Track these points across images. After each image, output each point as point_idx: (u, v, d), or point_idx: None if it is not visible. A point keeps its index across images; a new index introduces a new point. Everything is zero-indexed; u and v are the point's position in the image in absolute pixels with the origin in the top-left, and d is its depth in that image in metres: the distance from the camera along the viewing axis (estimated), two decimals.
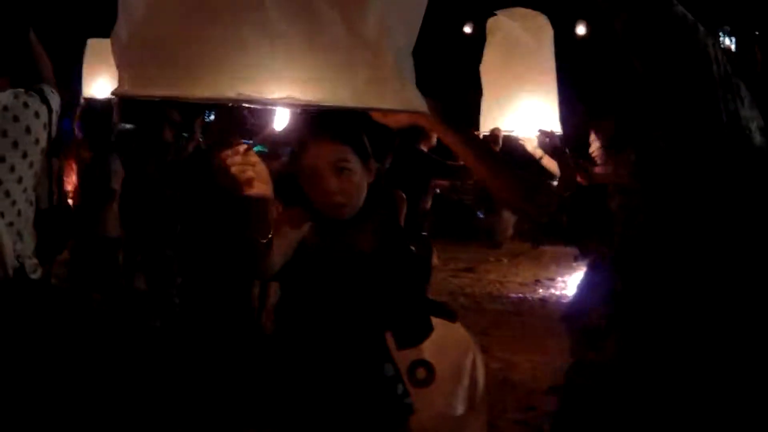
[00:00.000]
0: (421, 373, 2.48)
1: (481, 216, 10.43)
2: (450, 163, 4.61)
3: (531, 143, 3.89)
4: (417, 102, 1.27)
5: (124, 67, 1.18)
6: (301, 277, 2.01)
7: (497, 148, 3.53)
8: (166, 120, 4.06)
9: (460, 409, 2.62)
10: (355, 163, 1.93)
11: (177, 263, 3.92)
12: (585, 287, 3.95)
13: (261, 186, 1.48)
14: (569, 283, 7.37)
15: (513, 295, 6.92)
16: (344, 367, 2.03)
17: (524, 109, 3.67)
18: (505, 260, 9.11)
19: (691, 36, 1.13)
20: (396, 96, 1.22)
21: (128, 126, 4.89)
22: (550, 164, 4.24)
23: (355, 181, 1.94)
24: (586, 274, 3.99)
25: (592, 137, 4.11)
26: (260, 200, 1.53)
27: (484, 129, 3.75)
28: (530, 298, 6.81)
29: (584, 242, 4.12)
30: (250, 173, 1.43)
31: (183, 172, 3.83)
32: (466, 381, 2.63)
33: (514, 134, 3.81)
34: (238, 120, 3.77)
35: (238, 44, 1.10)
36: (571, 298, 4.56)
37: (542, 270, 8.30)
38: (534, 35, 3.81)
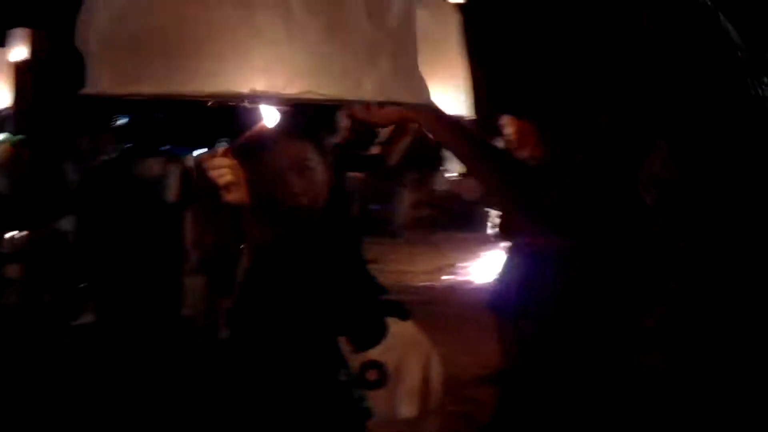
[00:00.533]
0: (372, 374, 2.40)
1: (377, 208, 10.46)
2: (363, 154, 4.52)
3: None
4: (429, 94, 1.17)
5: (103, 61, 0.99)
6: (259, 282, 1.88)
7: (407, 136, 3.48)
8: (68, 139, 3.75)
9: (414, 410, 2.56)
10: (317, 161, 1.82)
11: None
12: (511, 275, 4.00)
13: (239, 191, 1.36)
14: (474, 269, 7.53)
15: (420, 284, 6.96)
16: (300, 374, 1.93)
17: (433, 97, 3.61)
18: (406, 249, 9.18)
19: (715, 22, 1.11)
20: (418, 88, 1.12)
21: None
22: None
23: (318, 180, 1.83)
24: (515, 262, 4.04)
25: (504, 122, 4.14)
26: (237, 206, 1.39)
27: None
28: (437, 286, 6.88)
29: (512, 229, 4.17)
30: (229, 177, 1.31)
31: (93, 184, 3.55)
32: (419, 381, 2.57)
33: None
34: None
35: (252, 33, 0.95)
36: (495, 285, 4.59)
37: (443, 258, 8.42)
38: (440, 24, 3.77)
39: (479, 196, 11.04)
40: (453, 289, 6.72)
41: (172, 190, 3.47)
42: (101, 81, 0.99)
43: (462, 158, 1.48)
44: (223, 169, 1.29)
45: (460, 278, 7.33)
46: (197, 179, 1.32)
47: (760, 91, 1.08)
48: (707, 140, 1.10)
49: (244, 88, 0.96)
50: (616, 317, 2.00)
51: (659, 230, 1.15)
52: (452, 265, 7.96)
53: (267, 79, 0.96)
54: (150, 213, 3.43)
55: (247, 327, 1.99)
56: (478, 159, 1.46)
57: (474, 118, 3.78)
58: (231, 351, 2.02)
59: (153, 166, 3.48)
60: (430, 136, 1.51)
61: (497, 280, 4.56)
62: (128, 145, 3.60)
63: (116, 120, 3.70)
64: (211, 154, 1.28)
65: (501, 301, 4.00)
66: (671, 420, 1.14)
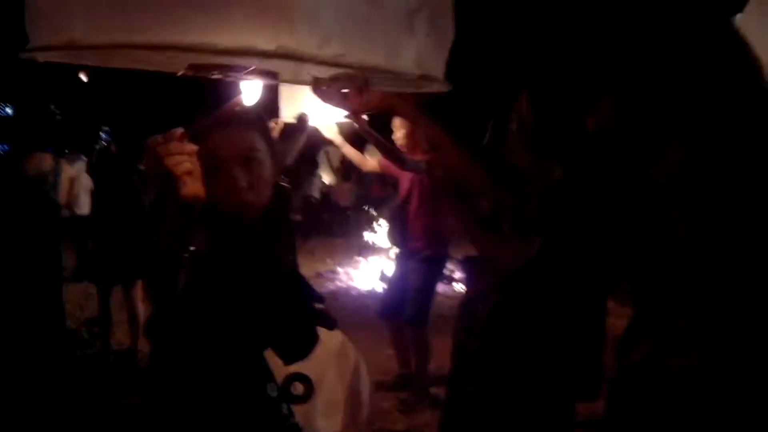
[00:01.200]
0: (298, 387, 2.21)
1: None
2: None
3: (330, 130, 3.71)
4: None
5: (76, 11, 0.76)
6: (189, 289, 1.64)
7: (306, 133, 3.32)
8: None
9: (341, 425, 2.39)
10: (264, 153, 1.59)
11: None
12: (403, 282, 3.99)
13: (196, 185, 1.12)
14: (356, 275, 7.42)
15: None
16: (226, 390, 1.72)
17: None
18: None
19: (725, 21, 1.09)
20: (445, 66, 0.98)
21: None
22: (351, 152, 4.13)
23: (265, 176, 1.60)
24: (408, 268, 4.00)
25: (396, 123, 4.09)
26: (193, 203, 1.15)
27: (286, 115, 3.48)
28: (322, 293, 6.69)
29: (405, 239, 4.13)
30: (187, 165, 1.06)
31: None
32: (347, 394, 2.41)
33: (312, 123, 3.59)
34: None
35: None
36: (385, 292, 4.52)
37: (319, 263, 8.22)
38: None
39: (354, 202, 11.01)
40: (335, 294, 6.55)
41: (62, 190, 3.06)
42: (74, 30, 0.76)
43: (447, 159, 1.38)
44: (181, 156, 1.04)
45: (341, 284, 7.19)
46: (147, 168, 1.05)
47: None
48: (726, 135, 1.07)
49: (269, 45, 0.78)
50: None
51: (685, 231, 1.10)
52: (332, 271, 7.81)
53: (298, 38, 0.79)
54: (35, 213, 3.00)
55: (168, 339, 1.72)
56: (463, 160, 1.36)
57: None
58: (151, 366, 1.75)
59: (41, 161, 3.04)
60: (416, 128, 1.39)
61: (388, 287, 4.54)
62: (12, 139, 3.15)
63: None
64: (166, 137, 1.03)
65: (393, 308, 3.98)
66: (707, 421, 1.08)
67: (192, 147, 1.06)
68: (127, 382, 3.42)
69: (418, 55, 0.89)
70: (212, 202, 1.55)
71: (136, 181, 3.74)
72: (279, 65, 1.24)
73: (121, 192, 3.62)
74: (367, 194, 10.29)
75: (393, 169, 4.25)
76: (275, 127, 3.34)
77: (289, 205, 1.92)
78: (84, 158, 4.52)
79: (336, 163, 10.47)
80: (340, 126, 3.70)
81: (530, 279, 2.10)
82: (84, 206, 4.66)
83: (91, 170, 3.82)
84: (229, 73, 0.97)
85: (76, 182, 4.47)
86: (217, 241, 1.58)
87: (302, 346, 2.03)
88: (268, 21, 0.77)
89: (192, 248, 1.30)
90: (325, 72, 1.26)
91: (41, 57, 0.96)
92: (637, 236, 1.19)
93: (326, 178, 11.25)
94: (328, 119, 3.53)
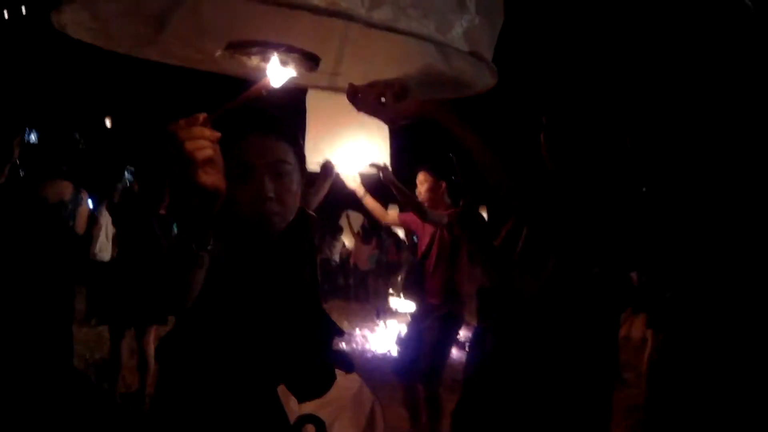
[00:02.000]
0: (309, 430, 2.09)
1: None
2: None
3: (353, 181, 3.72)
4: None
5: None
6: (204, 313, 1.55)
7: (330, 180, 3.31)
8: None
9: None
10: (293, 167, 1.54)
11: None
12: (418, 340, 3.96)
13: (217, 175, 1.04)
14: (371, 338, 7.27)
15: None
16: (233, 425, 1.62)
17: (349, 147, 3.49)
18: None
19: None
20: (492, 49, 0.93)
21: None
22: (372, 204, 4.11)
23: (293, 189, 1.54)
24: (421, 328, 3.94)
25: (420, 179, 4.10)
26: (212, 194, 1.07)
27: (311, 164, 3.48)
28: None
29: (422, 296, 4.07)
30: (209, 152, 0.99)
31: (10, 193, 3.03)
32: None
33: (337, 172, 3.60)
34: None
35: None
36: (400, 350, 4.43)
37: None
38: None
39: (373, 266, 10.97)
40: (352, 358, 6.38)
41: (79, 220, 3.03)
42: None
43: (474, 153, 1.33)
44: (203, 141, 0.97)
45: (358, 347, 7.02)
46: (166, 153, 0.98)
47: None
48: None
49: (321, 2, 0.73)
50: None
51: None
52: (350, 334, 7.66)
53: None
54: (53, 241, 2.96)
55: (180, 361, 1.63)
56: (490, 155, 1.32)
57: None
58: (159, 392, 1.66)
59: (61, 189, 3.03)
60: (451, 137, 1.34)
61: (403, 344, 4.47)
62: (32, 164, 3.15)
63: (24, 134, 3.25)
64: (188, 121, 0.97)
65: (407, 366, 3.91)
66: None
67: (215, 133, 0.99)
68: (132, 424, 3.30)
69: (468, 30, 0.84)
70: (236, 209, 1.49)
71: (156, 224, 3.71)
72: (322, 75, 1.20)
73: (141, 233, 3.59)
74: (386, 258, 10.26)
75: (413, 223, 4.22)
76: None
77: (314, 231, 1.85)
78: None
79: (357, 227, 10.49)
80: (363, 176, 3.69)
81: (537, 311, 2.05)
82: (104, 251, 4.62)
83: (111, 209, 3.80)
84: (267, 52, 0.92)
85: (98, 227, 4.44)
86: (237, 251, 1.51)
87: (317, 384, 1.90)
88: None
89: (209, 247, 1.22)
90: (362, 78, 1.23)
91: (72, 30, 0.92)
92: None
93: (347, 241, 11.24)
94: (351, 169, 3.53)
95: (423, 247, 4.13)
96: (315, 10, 0.73)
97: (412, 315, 4.31)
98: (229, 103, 1.00)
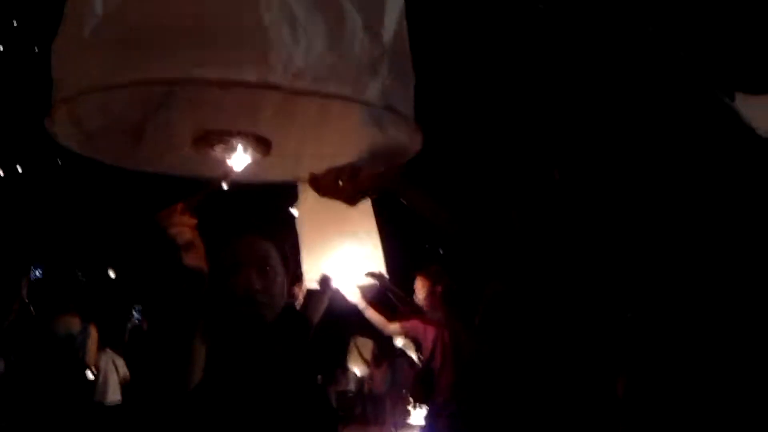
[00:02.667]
0: None
1: None
2: None
3: (353, 294, 3.87)
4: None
5: (96, 51, 0.93)
6: (200, 401, 1.64)
7: (329, 293, 3.43)
8: None
9: None
10: (277, 262, 1.71)
11: None
12: None
13: (197, 258, 1.22)
14: None
15: None
16: None
17: (345, 260, 3.65)
18: None
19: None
20: (411, 102, 1.12)
21: None
22: (373, 315, 4.24)
23: (278, 281, 1.70)
24: (434, 429, 3.96)
25: (418, 285, 4.25)
26: (196, 274, 1.24)
27: (309, 278, 3.63)
28: None
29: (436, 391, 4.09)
30: (188, 236, 1.18)
31: (11, 337, 3.18)
32: None
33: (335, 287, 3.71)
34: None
35: (259, 31, 0.93)
36: None
37: None
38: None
39: (388, 388, 10.75)
40: None
41: (89, 353, 3.15)
42: (91, 74, 0.92)
43: (428, 214, 1.48)
44: (182, 227, 1.16)
45: None
46: (156, 239, 1.16)
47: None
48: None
49: (251, 77, 0.92)
50: None
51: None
52: None
53: (274, 73, 0.93)
54: (64, 372, 3.05)
55: None
56: (443, 216, 1.47)
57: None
58: None
59: (69, 323, 3.17)
60: (403, 201, 1.50)
61: None
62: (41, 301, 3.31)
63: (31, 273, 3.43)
64: (169, 211, 1.16)
65: None
66: None
67: (192, 219, 1.18)
68: None
69: (382, 90, 1.03)
70: (228, 302, 1.63)
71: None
72: (277, 162, 1.39)
73: (153, 370, 3.64)
74: (400, 378, 10.15)
75: (416, 329, 4.35)
76: (299, 292, 3.47)
77: (308, 330, 1.96)
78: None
79: (367, 353, 10.46)
80: (362, 288, 3.83)
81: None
82: (116, 393, 4.65)
83: (123, 349, 3.91)
84: (225, 141, 1.11)
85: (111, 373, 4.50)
86: (232, 342, 1.63)
87: None
88: (250, 59, 0.93)
89: (199, 332, 1.34)
90: (317, 165, 1.42)
91: (62, 137, 1.12)
92: None
93: (358, 369, 11.15)
94: (350, 282, 3.67)
95: (427, 352, 4.26)
96: (249, 85, 0.92)
97: (426, 417, 4.33)
98: (199, 193, 1.18)
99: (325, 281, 3.36)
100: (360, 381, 11.42)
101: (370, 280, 3.66)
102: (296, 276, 3.45)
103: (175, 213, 1.17)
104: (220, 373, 1.61)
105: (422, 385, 4.45)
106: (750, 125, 1.20)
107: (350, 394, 11.37)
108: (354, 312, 4.21)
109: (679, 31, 1.29)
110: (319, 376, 12.02)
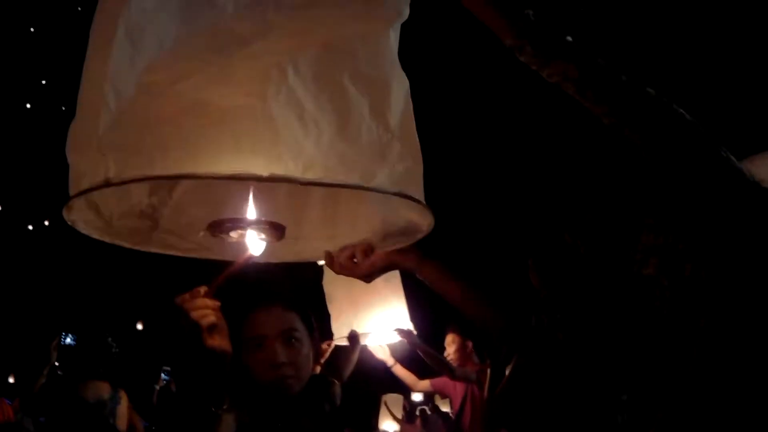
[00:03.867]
0: None
1: None
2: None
3: (383, 351, 3.85)
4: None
5: (110, 148, 0.95)
6: None
7: (358, 349, 3.42)
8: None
9: None
10: (303, 333, 1.71)
11: None
12: None
13: (222, 339, 1.22)
14: None
15: None
16: None
17: (374, 317, 3.65)
18: None
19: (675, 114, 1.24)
20: (420, 186, 1.13)
21: None
22: (402, 372, 4.19)
23: (303, 352, 1.70)
24: None
25: (448, 340, 4.22)
26: (220, 357, 1.24)
27: (339, 340, 3.63)
28: None
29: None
30: (211, 318, 1.19)
31: (41, 401, 3.19)
32: None
33: (364, 344, 3.71)
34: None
35: (267, 123, 0.96)
36: None
37: None
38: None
39: None
40: None
41: (121, 417, 3.14)
42: (108, 169, 0.94)
43: (449, 298, 1.48)
44: (205, 310, 1.17)
45: None
46: (179, 323, 1.16)
47: (721, 152, 1.20)
48: (691, 205, 1.18)
49: (262, 171, 0.94)
50: None
51: (666, 291, 1.22)
52: None
53: (284, 166, 0.95)
54: None
55: None
56: (466, 297, 1.47)
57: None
58: None
59: (99, 389, 3.19)
60: (419, 277, 1.50)
61: None
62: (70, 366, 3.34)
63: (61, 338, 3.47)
64: (192, 294, 1.17)
65: None
66: None
67: (215, 302, 1.19)
68: None
69: (391, 175, 1.03)
70: (254, 376, 1.63)
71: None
72: (291, 243, 1.40)
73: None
74: None
75: (445, 385, 4.31)
76: (327, 349, 3.46)
77: (335, 396, 1.94)
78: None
79: (397, 410, 10.26)
80: (392, 347, 3.81)
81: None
82: None
83: (151, 411, 3.91)
84: (240, 227, 1.13)
85: None
86: (259, 416, 1.61)
87: None
88: (261, 154, 0.94)
89: (225, 406, 1.34)
90: (332, 245, 1.43)
91: (81, 225, 1.14)
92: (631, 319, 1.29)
93: (389, 426, 10.88)
94: (379, 340, 3.66)
95: (456, 407, 4.21)
96: (260, 179, 0.93)
97: None
98: (221, 276, 1.19)
99: (354, 337, 3.35)
100: None
101: (399, 338, 3.66)
102: (323, 336, 3.45)
103: (198, 295, 1.17)
104: None
105: None
106: (756, 181, 1.20)
107: None
108: (382, 369, 4.18)
109: (684, 90, 1.32)
110: None
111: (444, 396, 4.68)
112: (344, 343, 3.39)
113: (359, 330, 3.43)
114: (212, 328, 1.19)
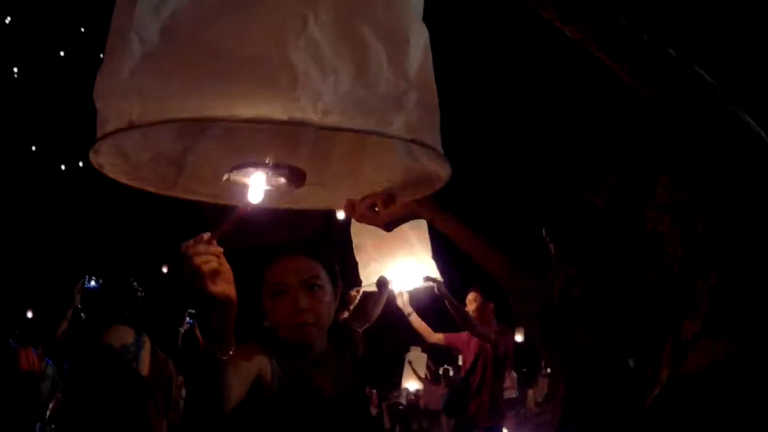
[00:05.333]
0: None
1: None
2: None
3: (401, 299, 3.92)
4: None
5: (132, 93, 0.99)
6: (254, 423, 1.67)
7: (386, 293, 3.49)
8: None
9: None
10: (325, 282, 1.74)
11: None
12: None
13: (225, 285, 1.25)
14: None
15: None
16: None
17: (400, 264, 3.72)
18: None
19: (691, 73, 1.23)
20: (438, 135, 1.15)
21: None
22: (417, 323, 4.28)
23: (326, 300, 1.73)
24: None
25: (470, 298, 4.28)
26: (224, 302, 1.28)
27: (365, 281, 3.70)
28: None
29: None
30: (214, 264, 1.21)
31: (66, 344, 3.30)
32: None
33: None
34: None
35: (286, 69, 0.98)
36: None
37: None
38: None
39: (443, 404, 10.74)
40: None
41: (144, 362, 3.24)
42: (131, 112, 0.98)
43: (466, 248, 1.50)
44: (208, 256, 1.17)
45: None
46: (182, 271, 1.20)
47: (739, 114, 1.19)
48: (703, 162, 1.18)
49: (282, 116, 0.96)
50: None
51: (680, 247, 1.23)
52: None
53: (303, 111, 0.98)
54: (120, 385, 3.15)
55: None
56: (482, 248, 1.49)
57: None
58: None
59: (124, 334, 3.28)
60: (436, 227, 1.53)
61: None
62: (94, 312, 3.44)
63: (84, 281, 3.57)
64: (195, 240, 1.20)
65: None
66: None
67: (218, 248, 1.21)
68: None
69: (407, 123, 1.06)
70: (276, 323, 1.67)
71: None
72: (312, 190, 1.44)
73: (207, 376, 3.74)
74: (458, 398, 10.02)
75: (458, 342, 4.40)
76: (355, 296, 3.54)
77: (357, 344, 1.98)
78: None
79: (421, 370, 10.44)
80: (414, 292, 3.87)
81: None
82: None
83: (176, 356, 4.04)
84: (261, 170, 1.16)
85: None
86: (278, 373, 1.65)
87: None
88: (279, 99, 0.97)
89: (231, 352, 1.38)
90: (352, 193, 1.46)
91: (108, 169, 1.19)
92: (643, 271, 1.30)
93: (412, 385, 11.11)
94: (402, 286, 3.73)
95: (467, 365, 4.30)
96: (278, 123, 0.96)
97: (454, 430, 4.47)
98: (225, 223, 1.22)
99: (382, 282, 3.42)
100: (413, 397, 11.39)
101: (427, 284, 3.73)
102: (351, 283, 3.53)
103: (201, 241, 1.20)
104: (271, 401, 1.65)
105: (456, 399, 4.51)
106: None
107: (400, 407, 11.36)
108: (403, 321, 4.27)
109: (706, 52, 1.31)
110: (374, 391, 12.04)
111: (456, 351, 4.77)
112: (372, 289, 3.48)
113: (387, 275, 3.51)
114: (215, 274, 1.21)
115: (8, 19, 9.42)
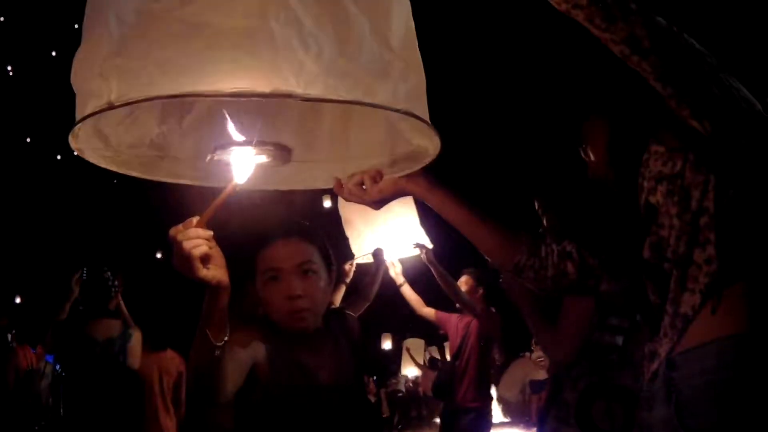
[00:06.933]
0: None
1: None
2: None
3: (394, 269, 3.94)
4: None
5: (112, 72, 0.96)
6: (251, 411, 1.66)
7: (383, 267, 3.49)
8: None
9: None
10: (320, 266, 1.72)
11: None
12: None
13: (216, 269, 1.22)
14: None
15: None
16: None
17: (388, 232, 3.72)
18: None
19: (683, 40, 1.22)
20: (424, 105, 1.13)
21: None
22: (409, 293, 4.30)
23: (320, 285, 1.71)
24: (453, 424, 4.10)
25: (461, 281, 4.31)
26: (215, 288, 1.25)
27: (358, 254, 3.70)
28: None
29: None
30: (204, 248, 1.18)
31: (62, 334, 3.27)
32: None
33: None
34: None
35: (267, 41, 0.95)
36: None
37: None
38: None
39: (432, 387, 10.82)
40: None
41: (133, 355, 3.20)
42: (110, 92, 0.95)
43: (457, 225, 1.49)
44: (198, 240, 1.15)
45: None
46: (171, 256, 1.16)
47: (731, 82, 1.19)
48: (697, 132, 1.17)
49: (265, 88, 0.94)
50: None
51: (675, 218, 1.23)
52: None
53: (286, 82, 0.95)
54: (107, 379, 3.12)
55: None
56: (474, 224, 1.47)
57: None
58: None
59: (109, 326, 3.23)
60: (428, 204, 1.51)
61: None
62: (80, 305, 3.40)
63: (82, 273, 3.51)
64: (184, 225, 1.17)
65: None
66: None
67: (207, 232, 1.18)
68: None
69: (393, 93, 1.04)
70: (270, 308, 1.65)
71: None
72: (299, 169, 1.41)
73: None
74: (445, 381, 10.06)
75: (447, 323, 4.46)
76: (350, 269, 3.54)
77: (354, 330, 1.95)
78: None
79: (419, 356, 10.49)
80: (404, 262, 3.88)
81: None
82: None
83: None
84: (245, 149, 1.14)
85: None
86: (274, 358, 1.63)
87: None
88: (262, 72, 0.95)
89: (225, 338, 1.36)
90: (340, 171, 1.44)
91: (88, 154, 1.16)
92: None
93: (411, 372, 11.15)
94: (393, 255, 3.73)
95: (454, 348, 4.37)
96: (261, 96, 0.94)
97: (442, 415, 4.53)
98: (213, 206, 1.18)
99: (378, 255, 3.42)
100: (413, 383, 11.43)
101: (415, 252, 3.73)
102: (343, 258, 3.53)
103: (190, 225, 1.17)
104: (267, 387, 1.63)
105: (443, 382, 4.54)
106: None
107: (399, 394, 11.41)
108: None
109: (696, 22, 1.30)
110: (371, 378, 12.05)
111: (444, 332, 4.81)
112: (366, 260, 3.47)
113: (375, 246, 3.51)
114: (206, 258, 1.18)
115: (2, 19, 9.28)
